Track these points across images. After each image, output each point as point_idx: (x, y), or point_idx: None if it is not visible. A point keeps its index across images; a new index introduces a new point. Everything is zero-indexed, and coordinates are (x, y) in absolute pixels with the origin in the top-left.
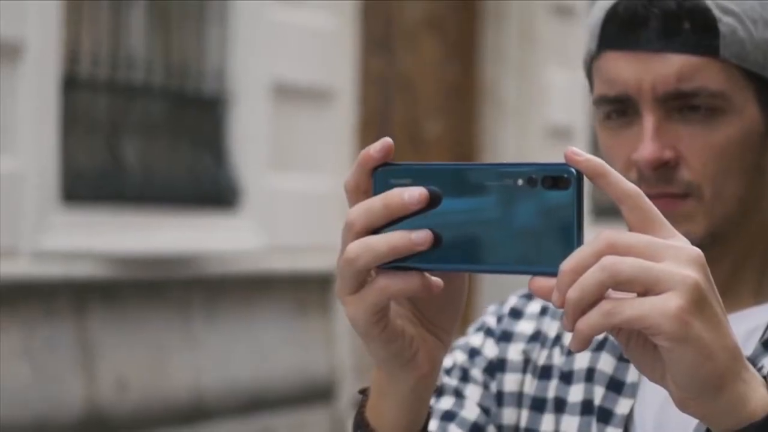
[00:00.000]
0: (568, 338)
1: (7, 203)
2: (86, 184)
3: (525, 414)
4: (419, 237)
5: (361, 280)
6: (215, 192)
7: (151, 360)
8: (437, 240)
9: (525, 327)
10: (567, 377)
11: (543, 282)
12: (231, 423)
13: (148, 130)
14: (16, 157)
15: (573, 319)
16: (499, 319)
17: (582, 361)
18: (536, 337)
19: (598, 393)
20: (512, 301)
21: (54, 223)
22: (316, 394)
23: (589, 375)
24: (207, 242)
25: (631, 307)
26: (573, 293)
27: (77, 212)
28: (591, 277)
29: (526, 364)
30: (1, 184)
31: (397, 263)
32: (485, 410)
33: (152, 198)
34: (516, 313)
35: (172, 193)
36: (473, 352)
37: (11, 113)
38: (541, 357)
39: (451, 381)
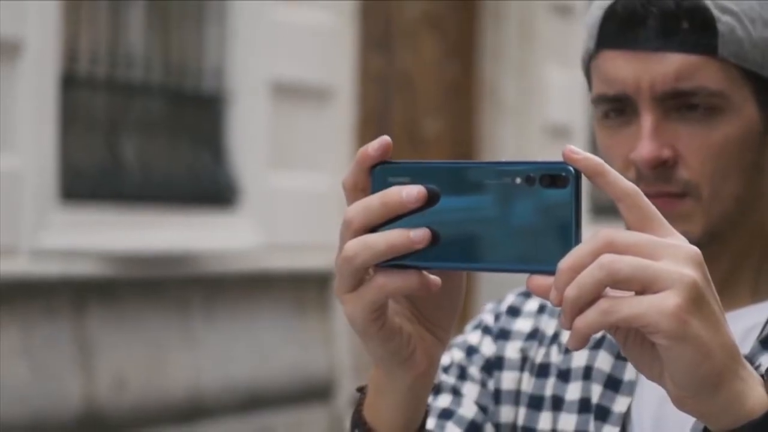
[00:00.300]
0: (565, 336)
1: (6, 202)
2: (85, 182)
3: (522, 412)
4: (417, 235)
5: (359, 278)
6: (214, 190)
7: (149, 358)
8: (435, 238)
9: (523, 325)
10: (564, 375)
11: (541, 280)
12: (229, 421)
13: (147, 129)
14: (15, 156)
15: (571, 317)
16: (497, 317)
17: (580, 359)
18: (534, 335)
19: (596, 391)
20: (510, 299)
21: (53, 221)
22: (315, 392)
23: (587, 373)
24: (206, 241)
25: (629, 305)
26: (571, 291)
27: (76, 210)
28: (589, 275)
29: (524, 362)
30: (0, 183)
31: (396, 261)
32: (483, 408)
33: (151, 196)
34: (514, 311)
35: (171, 191)
36: (471, 350)
37: (10, 112)
38: (538, 355)
39: (449, 379)
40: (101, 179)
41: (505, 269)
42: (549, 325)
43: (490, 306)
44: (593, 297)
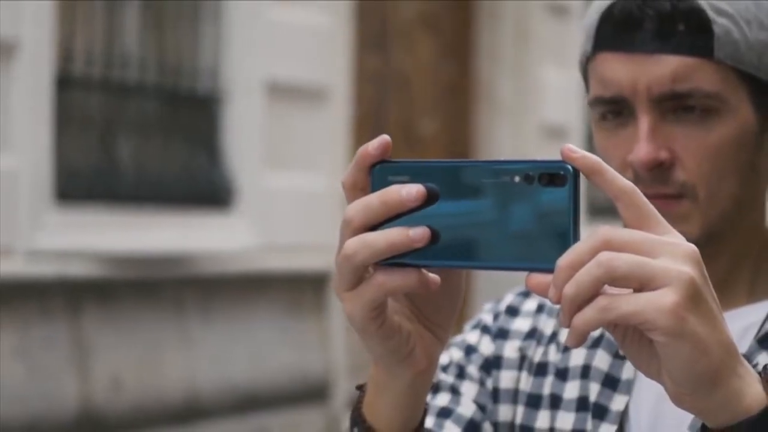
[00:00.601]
0: (563, 335)
1: (2, 202)
2: (80, 182)
3: (521, 410)
4: (417, 234)
5: (359, 276)
6: (210, 191)
7: (145, 359)
8: (435, 237)
9: (521, 324)
10: (562, 374)
11: (540, 278)
12: (226, 422)
13: (142, 129)
14: (10, 156)
15: (569, 314)
16: (496, 317)
17: (577, 358)
18: (532, 334)
19: (594, 390)
20: (509, 298)
21: (48, 222)
22: (311, 393)
23: (585, 372)
24: (201, 241)
25: (626, 302)
26: (569, 289)
27: (71, 211)
28: (587, 273)
29: (522, 361)
30: None
31: (395, 260)
32: (481, 407)
33: (146, 197)
34: (512, 311)
35: (166, 191)
36: (469, 350)
37: (5, 112)
38: (537, 354)
39: (448, 378)
40: (97, 180)
41: (504, 267)
42: (547, 325)
43: (488, 305)
44: (591, 294)
